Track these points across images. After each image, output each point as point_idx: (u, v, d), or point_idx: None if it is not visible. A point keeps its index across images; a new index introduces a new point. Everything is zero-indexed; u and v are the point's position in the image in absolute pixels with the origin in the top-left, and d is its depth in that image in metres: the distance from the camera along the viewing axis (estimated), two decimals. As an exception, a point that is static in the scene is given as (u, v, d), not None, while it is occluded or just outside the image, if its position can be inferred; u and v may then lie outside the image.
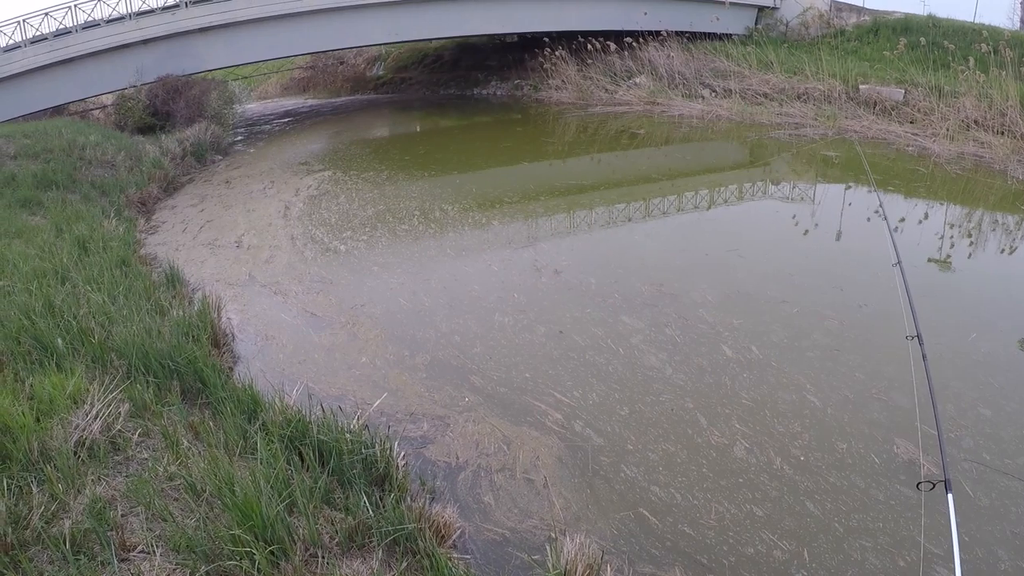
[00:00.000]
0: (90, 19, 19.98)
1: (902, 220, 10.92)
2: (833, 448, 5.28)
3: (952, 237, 10.23)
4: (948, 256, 9.38)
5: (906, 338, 4.31)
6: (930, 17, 22.30)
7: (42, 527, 3.78)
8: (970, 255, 9.59)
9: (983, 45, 17.06)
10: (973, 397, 5.89)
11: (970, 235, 10.47)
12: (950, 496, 3.27)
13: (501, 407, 5.97)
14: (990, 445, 5.26)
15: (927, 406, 4.99)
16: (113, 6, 20.08)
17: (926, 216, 11.23)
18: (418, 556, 3.98)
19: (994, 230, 10.81)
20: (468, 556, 4.31)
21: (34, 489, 4.06)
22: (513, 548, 4.42)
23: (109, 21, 20.10)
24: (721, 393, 6.06)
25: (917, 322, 4.26)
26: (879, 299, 7.83)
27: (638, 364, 6.59)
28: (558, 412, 5.84)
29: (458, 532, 4.45)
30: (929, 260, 9.14)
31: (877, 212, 8.42)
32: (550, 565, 4.00)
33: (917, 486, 3.67)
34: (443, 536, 4.30)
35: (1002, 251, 9.92)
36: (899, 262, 5.09)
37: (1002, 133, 15.51)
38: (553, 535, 4.36)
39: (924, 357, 4.02)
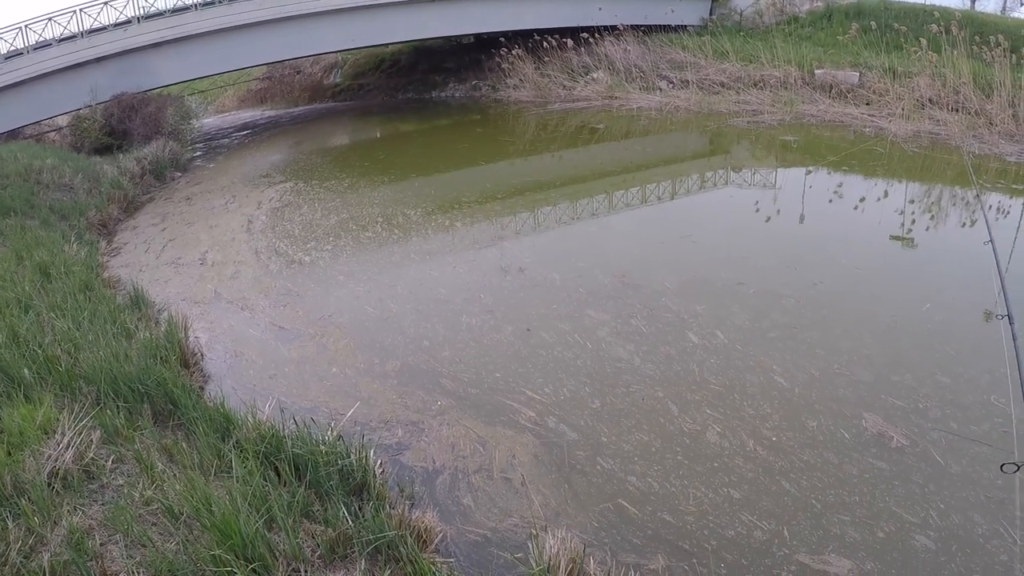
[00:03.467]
0: (42, 39, 19.68)
1: (863, 199, 11.11)
2: (804, 426, 5.38)
3: (913, 213, 10.44)
4: (910, 232, 9.57)
5: (996, 317, 4.36)
6: (882, 0, 22.62)
7: (20, 562, 3.74)
8: (928, 228, 9.80)
9: (935, 26, 17.34)
10: (931, 367, 6.06)
11: (929, 210, 10.69)
12: None
13: (474, 408, 5.99)
14: (955, 412, 5.41)
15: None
16: (64, 25, 19.81)
17: (886, 194, 11.44)
18: (401, 563, 3.99)
19: (954, 205, 11.04)
20: (451, 559, 4.32)
21: (9, 524, 4.01)
22: (495, 548, 4.44)
23: (61, 40, 19.79)
24: (690, 380, 6.14)
25: (1009, 304, 4.31)
26: (833, 276, 8.00)
27: (606, 357, 6.65)
28: (531, 410, 5.87)
29: (440, 536, 4.45)
30: (891, 237, 9.32)
31: (984, 244, 8.48)
32: (533, 562, 4.02)
33: (1001, 468, 3.74)
34: (425, 541, 4.30)
35: (963, 224, 10.13)
36: (991, 240, 5.09)
37: (956, 110, 15.83)
38: (534, 532, 4.37)
39: (1015, 338, 4.06)
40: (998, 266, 4.61)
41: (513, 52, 24.92)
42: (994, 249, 4.87)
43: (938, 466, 4.86)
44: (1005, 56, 15.43)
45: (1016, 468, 3.44)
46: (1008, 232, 9.38)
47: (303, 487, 4.56)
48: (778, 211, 10.90)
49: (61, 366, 5.99)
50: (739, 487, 4.81)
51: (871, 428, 5.29)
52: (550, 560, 3.96)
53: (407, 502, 4.78)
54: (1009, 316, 4.17)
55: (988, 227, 5.34)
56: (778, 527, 4.43)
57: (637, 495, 4.81)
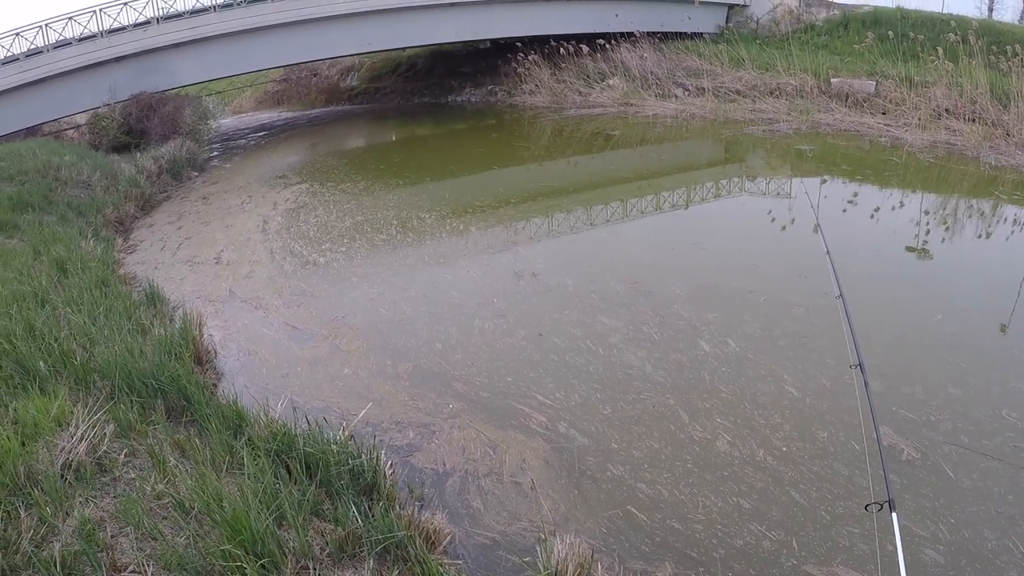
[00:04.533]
0: (62, 38, 19.79)
1: (877, 209, 11.07)
2: (814, 437, 5.36)
3: (928, 224, 10.38)
4: (925, 243, 9.53)
5: (850, 367, 4.45)
6: (898, 9, 22.56)
7: (32, 551, 3.77)
8: (943, 240, 9.75)
9: (951, 35, 17.25)
10: (943, 379, 6.04)
11: (945, 222, 10.64)
12: (894, 516, 3.35)
13: (485, 412, 6.00)
14: (967, 426, 5.37)
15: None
16: (84, 24, 19.92)
17: (901, 204, 11.39)
18: (409, 563, 4.00)
19: (970, 216, 10.98)
20: (459, 561, 4.33)
21: (22, 513, 4.05)
22: (504, 551, 4.45)
23: (81, 40, 19.89)
24: (701, 388, 6.13)
25: (859, 351, 4.38)
26: (845, 286, 7.94)
27: (618, 363, 6.65)
28: (542, 414, 5.88)
29: (448, 538, 4.47)
30: (907, 248, 9.27)
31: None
32: (541, 566, 4.03)
33: (866, 508, 3.80)
34: (433, 542, 4.31)
35: (979, 236, 10.08)
36: (841, 295, 5.24)
37: (973, 120, 15.76)
38: (543, 536, 4.38)
39: (866, 384, 4.17)
40: (848, 319, 4.73)
41: (529, 58, 24.90)
42: (844, 303, 5.03)
43: (948, 480, 4.83)
44: (1023, 66, 15.34)
45: (879, 507, 3.47)
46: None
47: (314, 486, 4.58)
48: (792, 220, 10.87)
49: (76, 360, 6.04)
50: (748, 496, 4.80)
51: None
52: (558, 565, 3.97)
53: (417, 503, 4.80)
54: (860, 366, 4.31)
55: (837, 282, 5.46)
56: (787, 537, 4.42)
57: (646, 502, 4.81)
